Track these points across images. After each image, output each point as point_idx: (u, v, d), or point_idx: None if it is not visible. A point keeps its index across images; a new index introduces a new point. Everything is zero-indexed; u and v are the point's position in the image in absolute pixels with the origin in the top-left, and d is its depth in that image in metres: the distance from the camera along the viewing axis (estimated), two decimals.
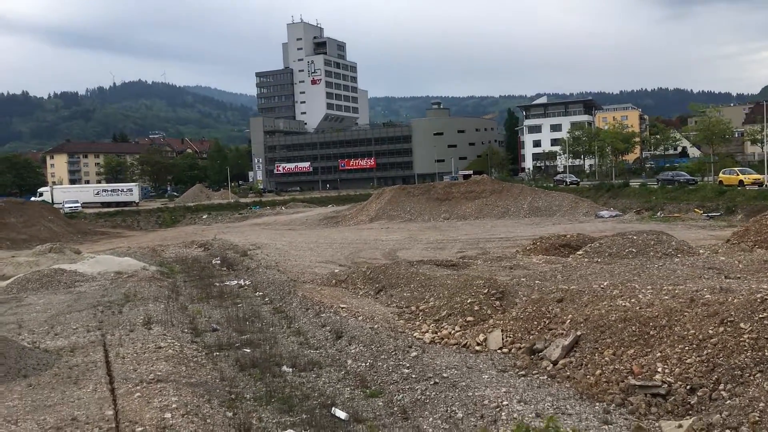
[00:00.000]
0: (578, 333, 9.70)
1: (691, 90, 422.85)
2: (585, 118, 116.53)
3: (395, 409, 9.48)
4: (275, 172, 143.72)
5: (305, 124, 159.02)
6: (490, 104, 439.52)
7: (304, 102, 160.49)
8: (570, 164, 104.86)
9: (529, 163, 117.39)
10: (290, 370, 11.86)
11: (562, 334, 10.15)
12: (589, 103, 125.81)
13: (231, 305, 18.34)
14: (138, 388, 9.93)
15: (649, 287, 10.86)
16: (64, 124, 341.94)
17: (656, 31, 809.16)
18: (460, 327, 11.89)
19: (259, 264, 25.17)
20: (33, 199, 77.43)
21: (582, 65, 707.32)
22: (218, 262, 28.57)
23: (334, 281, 19.40)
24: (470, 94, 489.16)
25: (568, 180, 67.06)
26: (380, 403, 9.81)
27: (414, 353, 11.09)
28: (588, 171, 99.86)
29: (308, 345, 13.55)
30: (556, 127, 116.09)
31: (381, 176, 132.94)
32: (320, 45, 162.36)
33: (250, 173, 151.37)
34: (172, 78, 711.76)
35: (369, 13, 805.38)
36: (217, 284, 22.01)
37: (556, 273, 14.20)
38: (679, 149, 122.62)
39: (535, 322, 10.86)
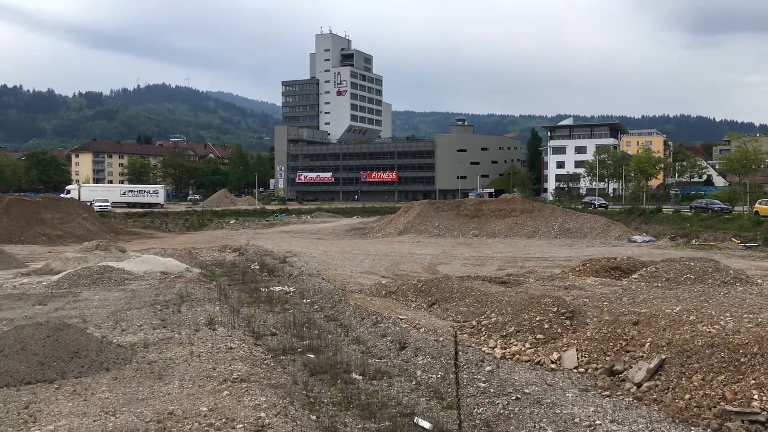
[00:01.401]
0: (663, 357, 9.76)
1: (714, 118, 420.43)
2: (611, 141, 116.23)
3: (477, 421, 9.58)
4: (297, 180, 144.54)
5: (328, 134, 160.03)
6: (509, 123, 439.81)
7: (328, 112, 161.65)
8: (594, 187, 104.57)
9: (552, 184, 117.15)
10: (360, 377, 12.01)
11: (642, 356, 10.22)
12: (616, 127, 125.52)
13: (282, 311, 18.58)
14: (224, 386, 10.13)
15: (728, 314, 10.91)
16: (87, 124, 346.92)
17: (679, 57, 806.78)
18: (531, 344, 11.98)
19: (301, 272, 25.39)
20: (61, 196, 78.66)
21: (604, 88, 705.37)
22: (257, 267, 28.87)
23: (383, 292, 19.54)
24: (490, 111, 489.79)
25: (596, 203, 66.83)
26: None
27: (488, 368, 11.20)
28: (612, 194, 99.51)
29: (371, 354, 13.70)
30: (581, 149, 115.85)
31: (402, 190, 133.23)
32: (347, 57, 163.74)
33: (271, 181, 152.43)
34: (195, 83, 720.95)
35: (391, 27, 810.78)
36: (263, 289, 22.27)
37: (620, 295, 14.25)
38: (704, 177, 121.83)
39: (611, 344, 10.94)
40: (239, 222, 61.73)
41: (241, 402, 9.38)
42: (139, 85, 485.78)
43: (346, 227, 55.25)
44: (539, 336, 12.13)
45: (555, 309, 12.57)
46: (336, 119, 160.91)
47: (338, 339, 15.05)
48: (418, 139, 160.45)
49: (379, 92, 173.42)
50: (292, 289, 22.23)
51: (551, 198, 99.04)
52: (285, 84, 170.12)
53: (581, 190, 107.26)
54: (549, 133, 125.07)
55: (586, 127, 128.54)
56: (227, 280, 24.62)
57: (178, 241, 43.74)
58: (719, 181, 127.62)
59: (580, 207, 59.92)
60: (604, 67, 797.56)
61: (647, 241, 40.13)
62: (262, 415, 8.90)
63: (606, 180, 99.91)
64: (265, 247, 36.43)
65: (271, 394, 9.99)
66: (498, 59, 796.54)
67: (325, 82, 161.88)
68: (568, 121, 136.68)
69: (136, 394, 9.75)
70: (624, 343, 10.83)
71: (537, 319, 12.56)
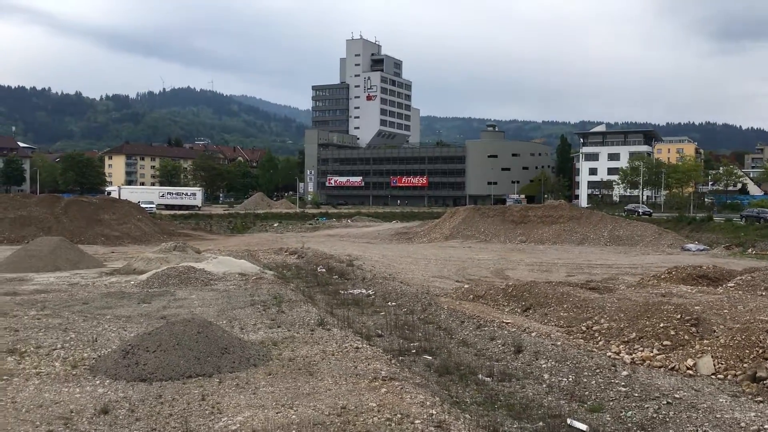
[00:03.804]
0: None
1: (740, 126, 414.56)
2: (644, 148, 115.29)
3: (629, 425, 9.81)
4: (327, 184, 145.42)
5: (358, 139, 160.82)
6: (532, 129, 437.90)
7: (358, 117, 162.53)
8: (627, 194, 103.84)
9: (584, 191, 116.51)
10: (488, 379, 12.31)
11: None
12: (650, 134, 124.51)
13: (373, 313, 18.93)
14: (377, 383, 10.50)
15: None
16: (114, 126, 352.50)
17: (704, 64, 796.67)
18: (658, 350, 12.17)
19: (374, 275, 25.73)
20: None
21: (627, 95, 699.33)
22: (323, 270, 29.30)
23: (471, 296, 19.82)
24: (512, 117, 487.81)
25: (640, 210, 66.42)
26: (608, 418, 10.14)
27: (624, 372, 11.41)
28: (646, 202, 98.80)
29: (485, 356, 13.97)
30: (614, 156, 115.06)
31: (432, 195, 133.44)
32: (377, 62, 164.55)
33: (300, 184, 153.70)
34: (219, 86, 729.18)
35: (412, 30, 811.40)
36: (342, 292, 22.67)
37: (733, 303, 14.40)
38: (738, 186, 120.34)
39: (747, 351, 11.10)
40: (282, 225, 62.48)
41: (404, 399, 9.74)
42: (164, 89, 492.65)
43: (390, 231, 55.61)
44: (666, 342, 12.31)
45: (679, 316, 12.74)
46: (365, 124, 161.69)
47: (445, 341, 15.35)
48: (448, 144, 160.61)
49: (408, 97, 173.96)
50: (371, 292, 22.57)
51: (586, 205, 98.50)
52: (315, 88, 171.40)
53: (614, 198, 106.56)
54: (582, 140, 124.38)
55: (619, 133, 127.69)
56: (302, 283, 25.06)
57: (231, 243, 44.43)
58: (754, 189, 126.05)
59: (623, 215, 59.65)
60: (626, 74, 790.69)
61: (701, 250, 39.91)
62: (433, 412, 9.25)
63: (640, 187, 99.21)
64: (321, 250, 36.86)
65: (421, 393, 10.34)
66: (518, 65, 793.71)
67: (355, 86, 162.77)
68: (601, 128, 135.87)
69: (299, 389, 10.15)
70: (761, 350, 10.99)
71: (661, 325, 12.73)
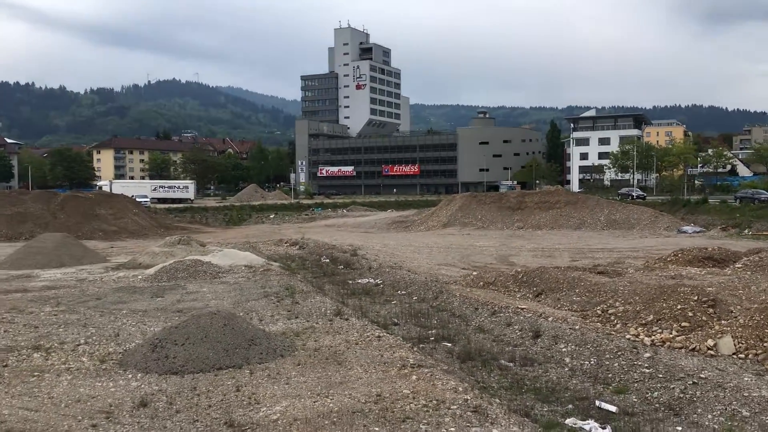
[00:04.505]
0: None
1: (726, 108, 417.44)
2: (635, 132, 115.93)
3: (656, 405, 10.00)
4: (318, 174, 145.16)
5: (348, 128, 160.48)
6: (520, 115, 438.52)
7: (348, 107, 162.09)
8: (618, 178, 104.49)
9: (575, 176, 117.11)
10: (511, 364, 12.47)
11: None
12: (639, 118, 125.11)
13: (384, 302, 19.03)
14: (406, 371, 10.63)
15: None
16: (100, 120, 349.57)
17: (690, 46, 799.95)
18: (677, 332, 12.37)
19: (380, 264, 25.82)
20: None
21: (613, 79, 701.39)
22: (327, 260, 29.35)
23: (480, 283, 19.98)
24: (500, 104, 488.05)
25: (634, 194, 66.92)
26: (634, 399, 10.33)
27: (646, 354, 11.59)
28: (636, 185, 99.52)
29: (503, 342, 14.11)
30: (604, 141, 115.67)
31: (424, 183, 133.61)
32: (366, 51, 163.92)
33: (291, 175, 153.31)
34: (205, 78, 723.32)
35: (395, 18, 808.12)
36: (350, 282, 22.74)
37: (746, 284, 14.63)
38: (728, 167, 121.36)
39: (767, 330, 11.31)
40: (278, 216, 62.42)
41: (437, 386, 9.87)
42: (149, 81, 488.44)
43: (387, 220, 55.72)
44: (684, 324, 12.51)
45: (696, 297, 12.94)
46: (355, 113, 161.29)
47: (461, 328, 15.48)
48: (440, 132, 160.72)
49: (397, 86, 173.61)
50: (379, 281, 22.64)
51: (577, 190, 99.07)
52: (304, 78, 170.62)
53: (605, 182, 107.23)
54: (572, 125, 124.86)
55: (609, 118, 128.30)
56: (308, 274, 25.11)
57: (229, 235, 44.38)
58: (743, 170, 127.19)
59: (617, 198, 60.07)
60: (611, 58, 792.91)
61: (698, 232, 40.35)
62: (467, 397, 9.39)
63: (631, 171, 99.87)
64: (322, 240, 36.88)
65: (452, 378, 10.48)
66: (504, 51, 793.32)
67: (344, 76, 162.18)
68: (591, 113, 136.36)
69: (330, 378, 10.27)
70: None
71: (678, 307, 12.93)
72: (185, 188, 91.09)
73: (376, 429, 8.13)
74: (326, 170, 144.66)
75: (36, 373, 10.45)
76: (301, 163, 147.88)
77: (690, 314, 12.64)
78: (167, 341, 11.07)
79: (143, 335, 13.04)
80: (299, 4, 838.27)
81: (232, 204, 71.40)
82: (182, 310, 15.81)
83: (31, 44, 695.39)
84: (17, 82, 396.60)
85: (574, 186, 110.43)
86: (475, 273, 21.81)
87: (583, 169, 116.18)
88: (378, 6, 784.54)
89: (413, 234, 45.27)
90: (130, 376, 10.34)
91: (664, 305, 13.22)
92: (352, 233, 45.35)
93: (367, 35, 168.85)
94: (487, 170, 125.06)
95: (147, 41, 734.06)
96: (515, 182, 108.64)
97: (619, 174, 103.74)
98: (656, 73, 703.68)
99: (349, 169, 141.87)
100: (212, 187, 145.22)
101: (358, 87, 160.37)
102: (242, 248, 33.21)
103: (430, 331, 15.24)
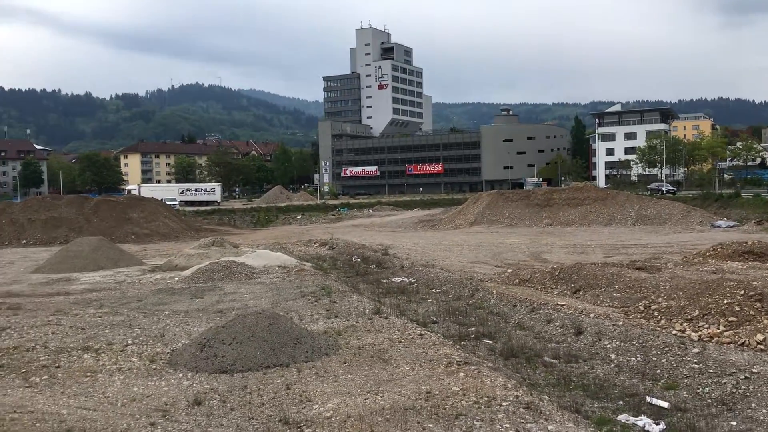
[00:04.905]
0: None
1: (753, 100, 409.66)
2: (661, 126, 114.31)
3: (708, 400, 9.87)
4: (342, 175, 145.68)
5: (371, 128, 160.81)
6: (543, 111, 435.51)
7: (370, 107, 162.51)
8: (646, 173, 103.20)
9: (601, 172, 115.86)
10: (555, 361, 12.39)
11: None
12: (666, 112, 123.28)
13: (420, 300, 19.04)
14: (453, 368, 10.63)
15: None
16: (125, 125, 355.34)
17: (714, 39, 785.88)
18: (725, 327, 12.19)
19: (412, 263, 25.82)
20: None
21: (637, 73, 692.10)
22: (358, 260, 29.45)
23: (516, 280, 19.88)
24: (522, 101, 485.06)
25: (664, 189, 65.99)
26: (685, 395, 10.20)
27: (695, 350, 11.44)
28: (664, 180, 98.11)
29: (544, 339, 14.03)
30: (630, 136, 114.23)
31: (448, 181, 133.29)
32: (388, 50, 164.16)
33: (315, 176, 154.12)
34: (228, 81, 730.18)
35: (416, 18, 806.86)
36: (384, 281, 22.79)
37: None
38: (758, 161, 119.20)
39: None
40: (305, 217, 62.77)
41: (485, 383, 9.86)
42: (173, 86, 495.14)
43: (414, 219, 55.69)
44: (732, 319, 12.33)
45: (742, 292, 12.75)
46: (378, 113, 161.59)
47: (500, 326, 15.43)
48: (462, 130, 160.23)
49: (419, 84, 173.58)
50: (413, 279, 22.64)
51: (604, 186, 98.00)
52: (326, 79, 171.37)
53: (632, 177, 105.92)
54: (597, 121, 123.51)
55: (635, 113, 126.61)
56: (341, 273, 25.23)
57: (259, 236, 44.74)
58: None
59: (647, 194, 59.30)
60: (635, 52, 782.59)
61: (732, 226, 39.67)
62: (517, 393, 9.37)
63: (659, 166, 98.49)
64: (351, 240, 37.00)
65: (500, 376, 10.46)
66: (524, 47, 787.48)
67: (366, 76, 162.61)
68: (616, 108, 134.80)
69: (378, 376, 10.31)
70: None
71: (725, 302, 12.75)
72: (212, 191, 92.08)
73: (430, 425, 8.15)
74: (350, 170, 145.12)
75: (89, 374, 10.67)
76: (325, 164, 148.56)
77: (737, 309, 12.45)
78: (215, 341, 11.22)
79: (188, 335, 13.23)
80: (319, 5, 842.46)
81: (258, 206, 72.13)
82: (223, 311, 16.01)
83: (55, 51, 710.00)
84: (44, 89, 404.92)
85: (601, 182, 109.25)
86: (509, 270, 21.71)
87: (609, 165, 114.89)
88: (399, 6, 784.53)
89: (441, 232, 45.18)
90: (180, 375, 10.50)
91: (710, 300, 13.04)
92: (380, 233, 45.42)
93: (389, 35, 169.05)
94: (512, 168, 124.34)
95: (168, 46, 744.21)
96: (541, 179, 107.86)
97: (647, 169, 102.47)
98: (680, 66, 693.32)
99: (372, 169, 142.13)
100: (237, 190, 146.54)
101: (381, 87, 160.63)
102: (273, 249, 33.51)
103: (469, 329, 15.22)
